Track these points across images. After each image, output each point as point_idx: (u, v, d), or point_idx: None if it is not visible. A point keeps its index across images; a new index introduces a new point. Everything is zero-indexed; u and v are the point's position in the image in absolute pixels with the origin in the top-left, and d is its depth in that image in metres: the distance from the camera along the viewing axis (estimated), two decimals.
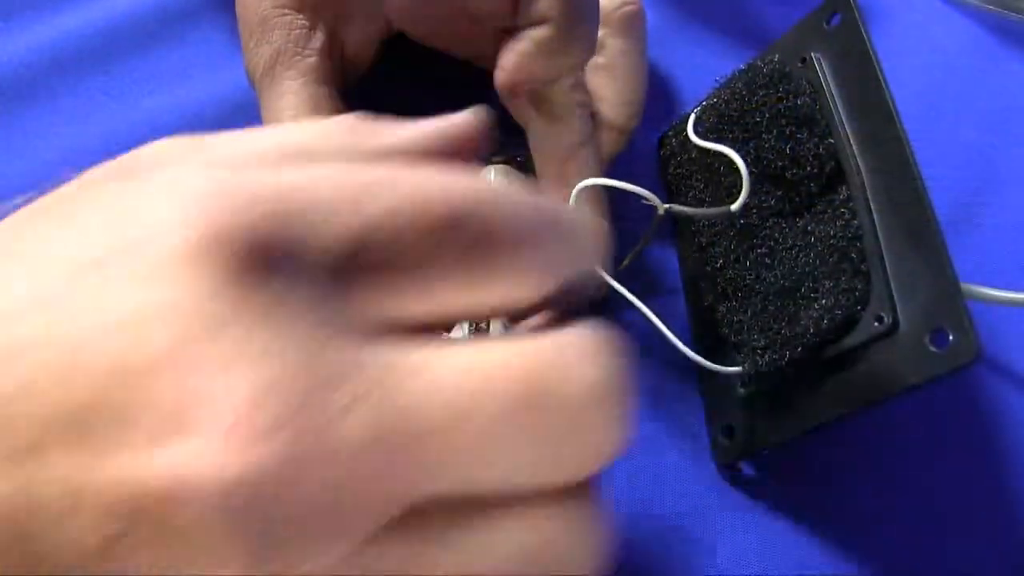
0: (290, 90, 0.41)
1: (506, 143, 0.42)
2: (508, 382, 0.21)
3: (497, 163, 0.42)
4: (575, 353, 0.22)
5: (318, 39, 0.41)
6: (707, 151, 0.39)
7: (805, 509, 0.39)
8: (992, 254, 0.48)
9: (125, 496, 0.20)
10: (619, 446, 0.23)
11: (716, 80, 0.43)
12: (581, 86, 0.43)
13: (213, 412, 0.20)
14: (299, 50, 0.41)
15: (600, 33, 0.45)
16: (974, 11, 0.57)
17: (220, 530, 0.20)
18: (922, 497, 0.40)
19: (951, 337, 0.31)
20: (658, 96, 0.52)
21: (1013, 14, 0.56)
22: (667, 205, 0.37)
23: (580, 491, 0.23)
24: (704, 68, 0.52)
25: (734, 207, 0.34)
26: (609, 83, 0.46)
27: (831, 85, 0.39)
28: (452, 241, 0.23)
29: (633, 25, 0.47)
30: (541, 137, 0.41)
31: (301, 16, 0.41)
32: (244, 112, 0.47)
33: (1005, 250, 0.48)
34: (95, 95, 0.48)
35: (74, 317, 0.21)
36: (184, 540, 0.20)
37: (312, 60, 0.41)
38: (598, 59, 0.46)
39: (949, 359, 0.31)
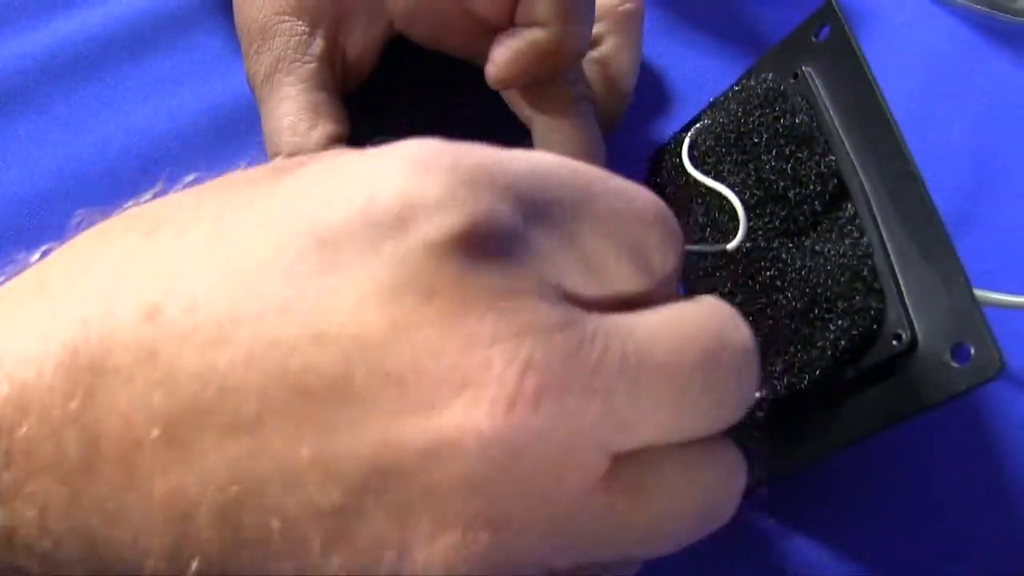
0: (289, 96, 0.41)
1: (511, 141, 0.42)
2: (696, 337, 0.24)
3: None
4: (729, 314, 0.26)
5: (317, 45, 0.41)
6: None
7: (824, 528, 0.39)
8: (985, 256, 0.48)
9: (363, 465, 0.21)
10: (752, 399, 0.26)
11: (702, 97, 0.43)
12: (581, 79, 0.43)
13: (485, 382, 0.21)
14: (298, 56, 0.41)
15: (598, 27, 0.46)
16: (963, 11, 0.57)
17: (462, 487, 0.22)
18: (941, 515, 0.40)
19: (973, 351, 0.31)
20: (649, 97, 0.52)
21: (1001, 14, 0.56)
22: None
23: (725, 440, 0.26)
24: (696, 69, 0.53)
25: (730, 247, 0.34)
26: (600, 77, 0.46)
27: (826, 100, 0.39)
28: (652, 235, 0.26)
29: (631, 23, 0.48)
30: (543, 132, 0.41)
31: (301, 22, 0.41)
32: (240, 119, 0.48)
33: (998, 252, 0.48)
34: (89, 102, 0.48)
35: (309, 289, 0.22)
36: (413, 504, 0.22)
37: (311, 66, 0.41)
38: (592, 53, 0.46)
39: (973, 374, 0.30)
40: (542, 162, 0.25)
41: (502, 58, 0.40)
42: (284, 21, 0.41)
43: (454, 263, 0.22)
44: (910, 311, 0.33)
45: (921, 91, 0.54)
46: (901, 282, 0.34)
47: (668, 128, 0.50)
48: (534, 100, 0.41)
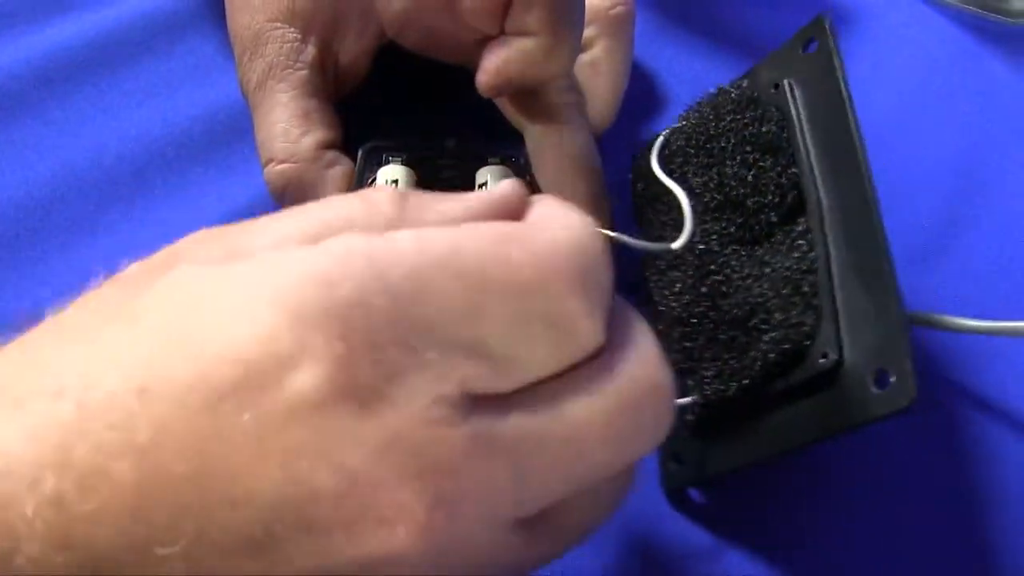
0: (280, 103, 0.42)
1: (503, 145, 0.43)
2: (624, 412, 0.26)
3: (494, 164, 0.43)
4: (659, 377, 0.27)
5: (309, 52, 0.42)
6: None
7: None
8: (981, 257, 0.48)
9: None
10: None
11: (693, 100, 0.43)
12: (573, 83, 0.43)
13: (399, 520, 0.23)
14: (290, 63, 0.42)
15: (589, 30, 0.46)
16: (955, 12, 0.57)
17: None
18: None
19: (892, 379, 0.31)
20: (641, 99, 0.52)
21: (993, 15, 0.56)
22: (611, 234, 0.34)
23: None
24: (689, 71, 0.54)
25: (675, 245, 0.35)
26: (591, 80, 0.47)
27: (801, 113, 0.39)
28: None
29: (622, 26, 0.48)
30: (536, 139, 0.42)
31: (293, 29, 0.42)
32: (234, 124, 0.48)
33: (996, 251, 0.49)
34: (85, 108, 0.49)
35: (206, 457, 0.22)
36: None
37: (303, 73, 0.42)
38: (583, 56, 0.47)
39: (888, 401, 0.31)
40: (428, 258, 0.24)
41: (492, 67, 0.40)
42: (277, 28, 0.42)
43: (339, 417, 0.22)
44: (842, 331, 0.34)
45: (913, 92, 0.54)
46: (838, 302, 0.34)
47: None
48: (525, 106, 0.42)
